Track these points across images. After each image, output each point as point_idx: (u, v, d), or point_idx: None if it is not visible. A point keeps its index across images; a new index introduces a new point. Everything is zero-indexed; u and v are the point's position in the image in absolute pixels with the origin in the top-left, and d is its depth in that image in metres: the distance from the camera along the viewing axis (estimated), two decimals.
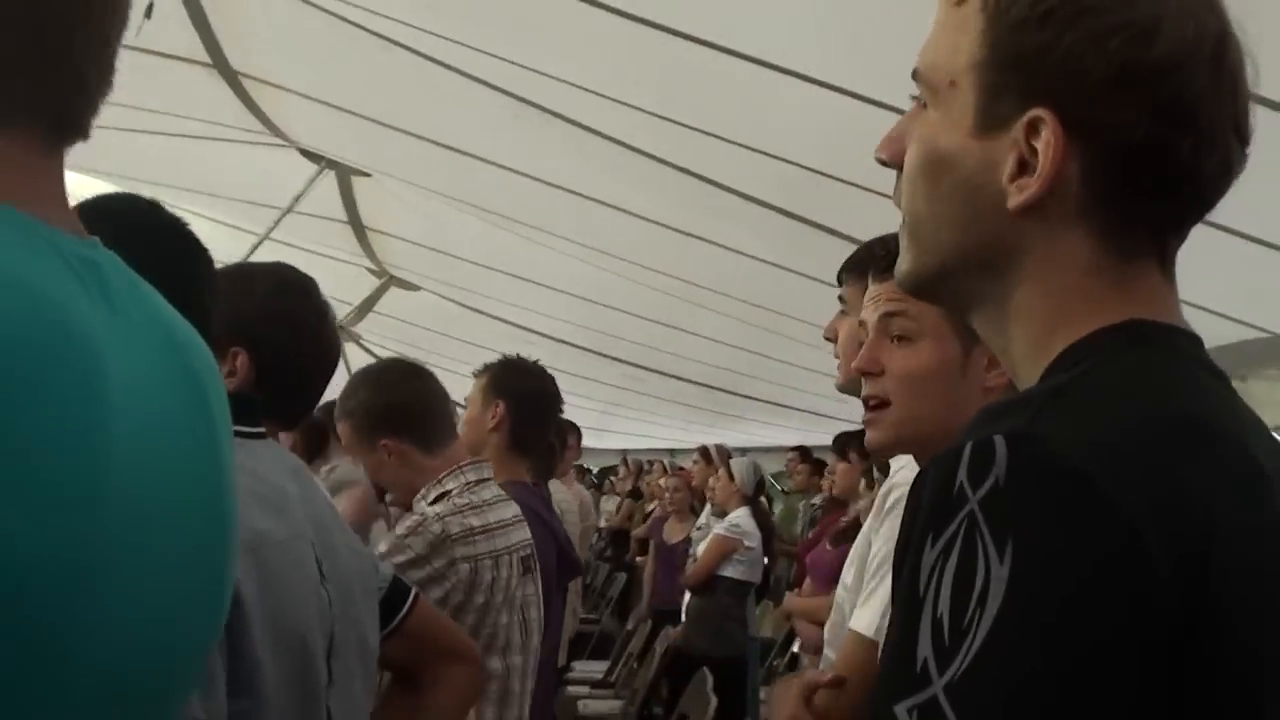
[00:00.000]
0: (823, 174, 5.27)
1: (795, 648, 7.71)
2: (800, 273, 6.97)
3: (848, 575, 2.27)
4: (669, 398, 12.73)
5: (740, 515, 6.56)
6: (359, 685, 1.81)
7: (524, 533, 2.95)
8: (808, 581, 5.60)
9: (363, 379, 3.06)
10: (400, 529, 2.81)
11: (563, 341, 10.48)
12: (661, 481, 9.71)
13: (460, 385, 14.73)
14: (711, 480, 7.16)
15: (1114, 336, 0.92)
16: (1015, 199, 0.93)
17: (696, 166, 5.68)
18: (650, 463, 13.91)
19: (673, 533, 7.95)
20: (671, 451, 18.50)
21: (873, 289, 1.81)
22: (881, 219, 4.70)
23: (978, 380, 1.74)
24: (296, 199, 7.15)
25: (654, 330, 9.49)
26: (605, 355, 10.69)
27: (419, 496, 2.95)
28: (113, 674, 0.88)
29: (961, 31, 0.95)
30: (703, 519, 7.47)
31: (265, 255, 7.84)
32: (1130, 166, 0.91)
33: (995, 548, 0.76)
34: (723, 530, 6.50)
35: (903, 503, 2.00)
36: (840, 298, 2.28)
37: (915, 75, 0.99)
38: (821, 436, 14.19)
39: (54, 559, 0.82)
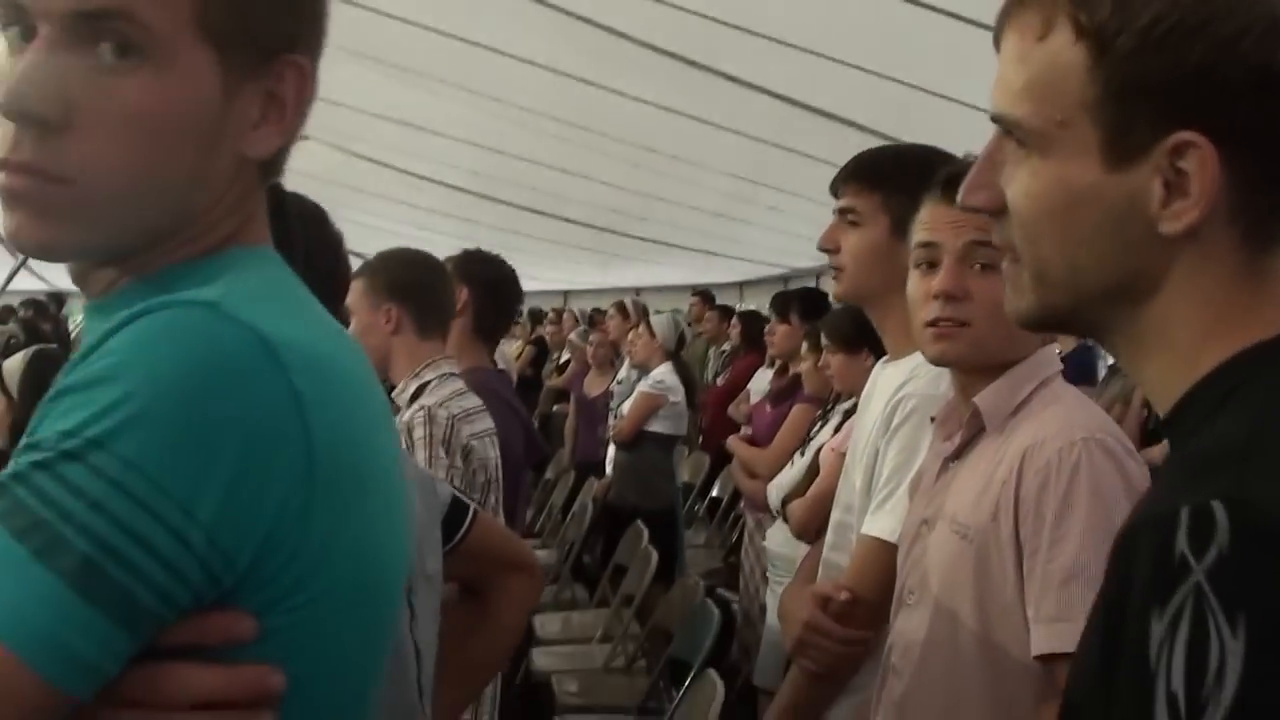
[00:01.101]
0: (714, 19, 5.47)
1: (714, 491, 8.04)
2: (686, 114, 7.19)
3: (854, 477, 2.31)
4: (560, 240, 12.92)
5: (664, 371, 6.70)
6: (431, 613, 1.85)
7: (489, 420, 3.06)
8: (746, 432, 5.77)
9: (396, 252, 3.12)
10: (418, 432, 2.87)
11: (451, 186, 10.62)
12: (572, 336, 9.77)
13: (351, 232, 14.66)
14: (631, 335, 7.22)
15: (1271, 355, 0.90)
16: (1173, 225, 0.90)
17: (588, 12, 5.83)
18: (547, 310, 14.02)
19: (593, 386, 8.05)
20: (565, 293, 18.71)
21: (948, 213, 1.82)
22: (775, 62, 4.91)
23: None
24: None
25: (544, 174, 9.67)
26: (495, 199, 10.84)
27: (398, 389, 3.03)
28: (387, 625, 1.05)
29: (1056, 69, 0.93)
30: (622, 373, 7.59)
31: None
32: (1273, 164, 0.90)
33: (1227, 621, 0.74)
34: (647, 387, 6.61)
35: (918, 414, 2.13)
36: (846, 209, 2.27)
37: (1000, 120, 0.97)
38: (710, 275, 14.58)
39: (396, 558, 1.03)
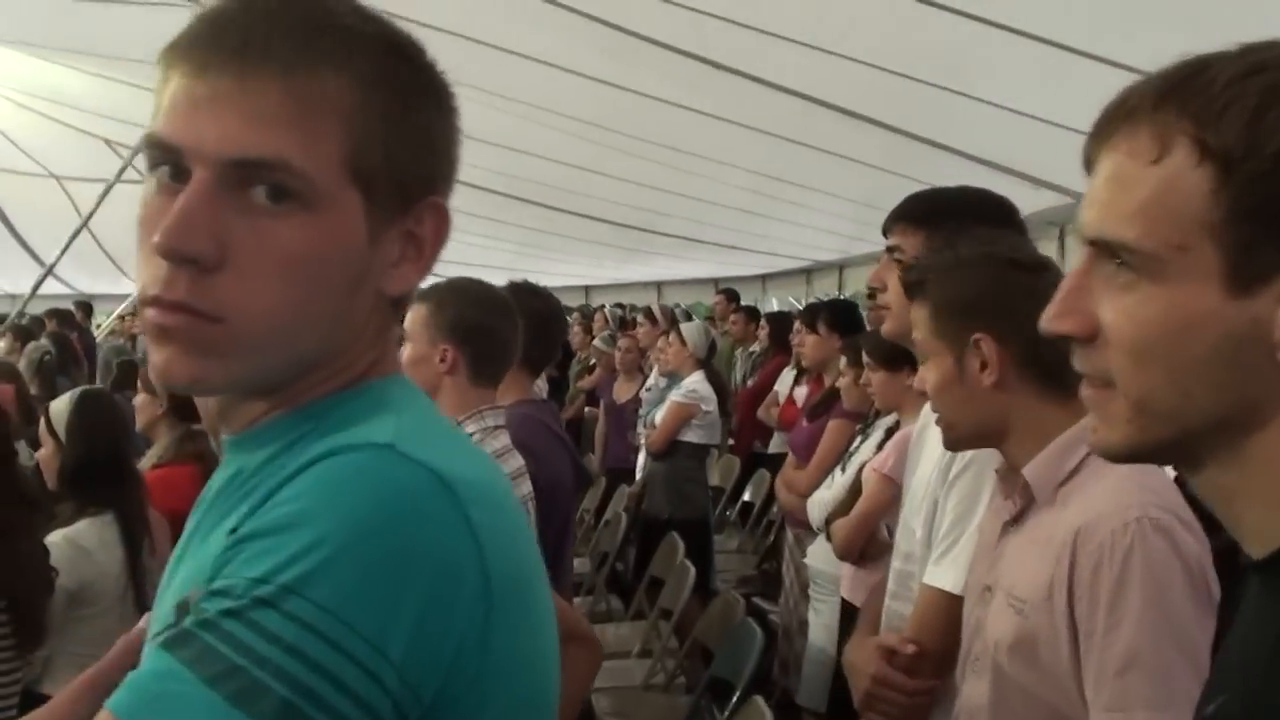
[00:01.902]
0: (733, 21, 5.43)
1: (746, 496, 7.98)
2: (707, 113, 7.15)
3: (914, 525, 2.32)
4: (582, 237, 12.89)
5: (696, 380, 6.63)
6: None
7: (518, 459, 2.95)
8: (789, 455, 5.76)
9: (467, 286, 2.93)
10: None
11: (475, 186, 10.58)
12: (597, 341, 9.71)
13: None
14: (661, 343, 7.16)
15: None
16: None
17: (606, 14, 5.79)
18: (572, 309, 14.00)
19: (622, 392, 8.02)
20: (586, 289, 18.70)
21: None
22: (794, 62, 4.86)
23: None
24: None
25: (566, 173, 9.64)
26: (518, 198, 10.81)
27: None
28: None
29: (1176, 192, 0.88)
30: (650, 379, 7.57)
31: None
32: None
33: None
34: (680, 397, 6.54)
35: (976, 464, 2.15)
36: (893, 247, 2.29)
37: (1103, 243, 0.93)
38: (733, 269, 14.53)
39: (555, 665, 1.05)
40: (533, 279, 3.68)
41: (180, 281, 0.93)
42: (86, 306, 13.09)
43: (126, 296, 13.91)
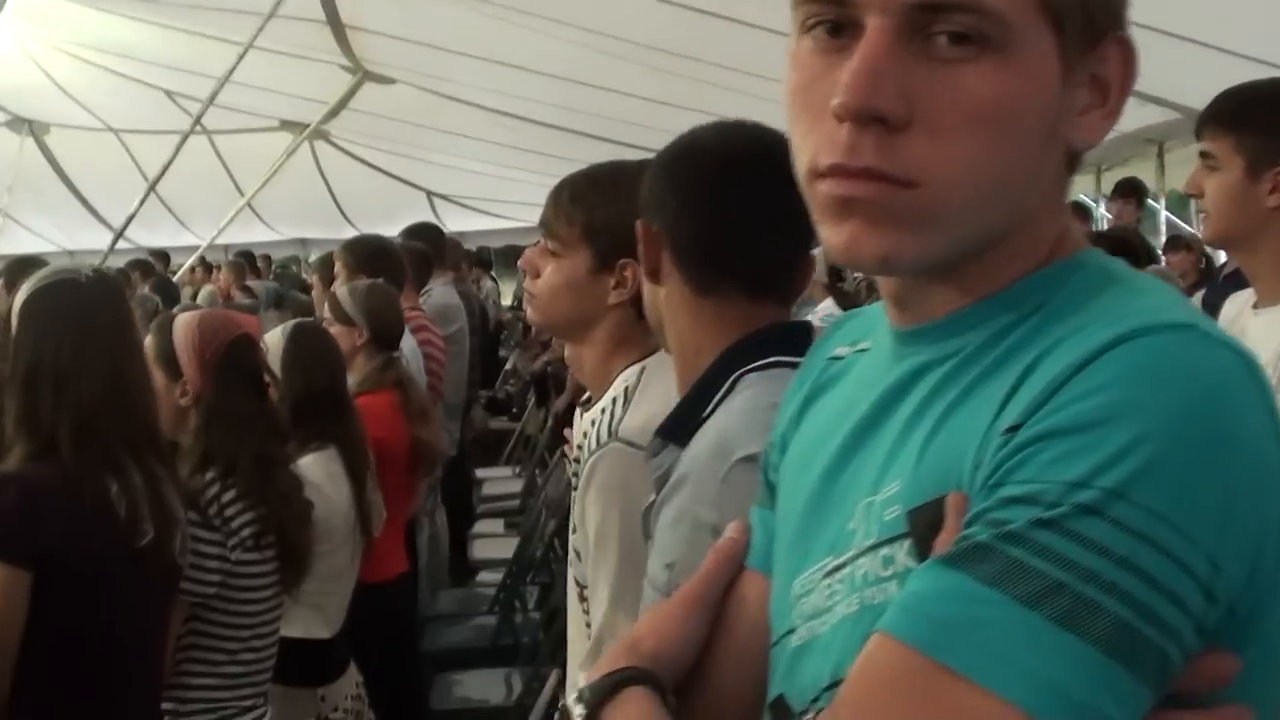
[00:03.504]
0: None
1: None
2: (779, 31, 6.89)
3: None
4: None
5: (829, 305, 6.53)
6: None
7: None
8: None
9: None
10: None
11: (545, 124, 10.39)
12: None
13: (438, 175, 14.56)
14: None
15: None
16: None
17: None
18: None
19: None
20: None
21: None
22: None
23: None
24: (277, 3, 6.95)
25: (640, 107, 9.41)
26: (590, 135, 10.60)
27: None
28: None
29: None
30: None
31: (247, 62, 7.71)
32: None
33: None
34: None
35: None
36: (1205, 153, 2.23)
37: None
38: None
39: None
40: None
41: (865, 144, 0.84)
42: (164, 256, 13.00)
43: (188, 249, 13.83)
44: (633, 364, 2.00)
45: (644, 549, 1.66)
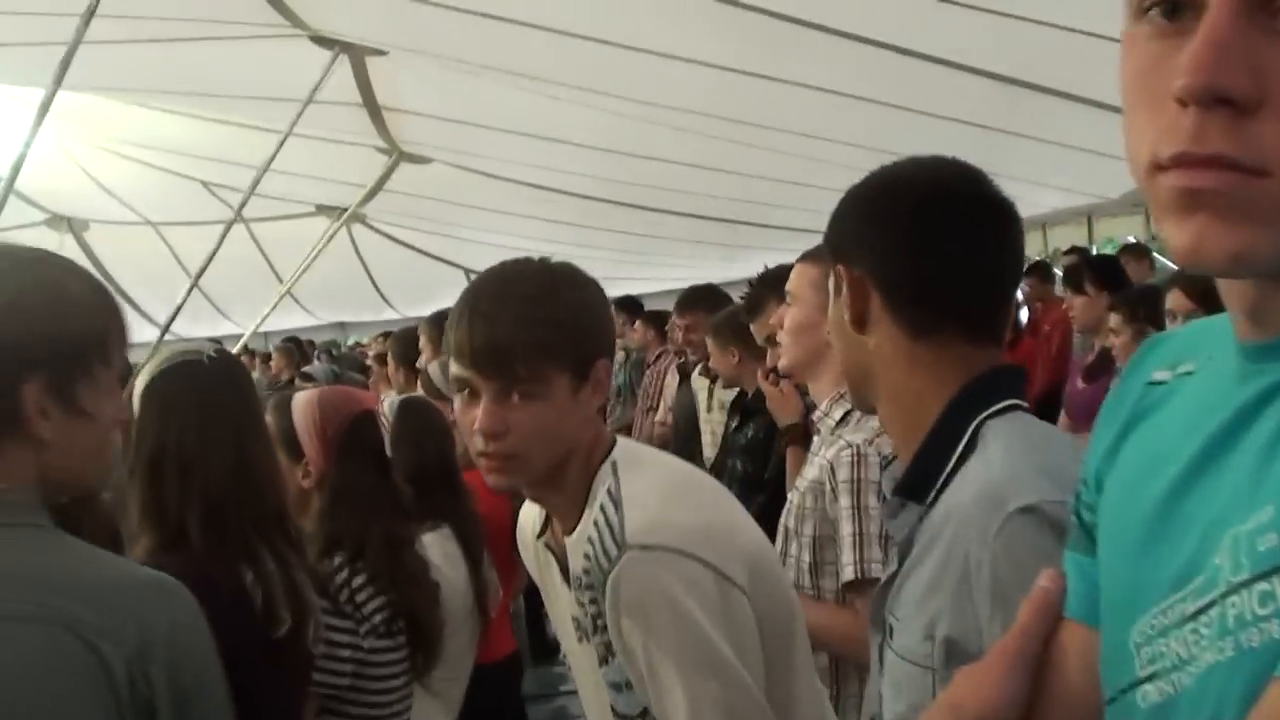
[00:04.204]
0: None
1: None
2: (822, 88, 6.86)
3: None
4: (689, 238, 12.65)
5: None
6: None
7: None
8: (1063, 417, 5.61)
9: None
10: (842, 474, 2.52)
11: (580, 195, 10.37)
12: None
13: (479, 253, 14.49)
14: None
15: None
16: None
17: None
18: None
19: None
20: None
21: None
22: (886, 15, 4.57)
23: None
24: (315, 89, 6.98)
25: (676, 172, 9.38)
26: (626, 204, 10.58)
27: (820, 412, 2.70)
28: None
29: None
30: None
31: (283, 149, 7.73)
32: None
33: None
34: None
35: None
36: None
37: None
38: None
39: None
40: (632, 286, 3.47)
41: (1212, 130, 0.76)
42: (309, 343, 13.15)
43: (230, 338, 13.86)
44: (596, 464, 1.84)
45: (704, 642, 1.63)
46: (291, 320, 15.98)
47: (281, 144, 7.45)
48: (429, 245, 14.08)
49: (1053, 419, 6.41)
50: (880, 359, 1.52)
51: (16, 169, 5.81)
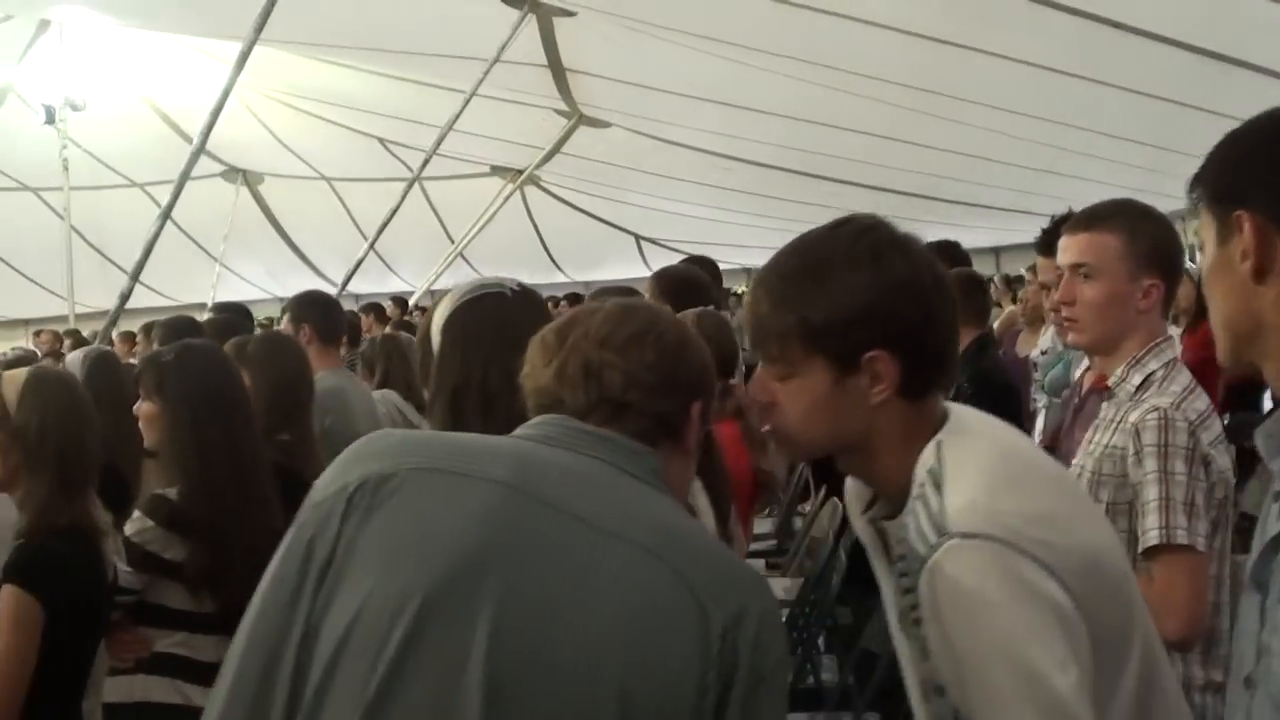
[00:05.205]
0: None
1: None
2: (1025, 61, 6.55)
3: None
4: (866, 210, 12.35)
5: (1049, 339, 6.04)
6: None
7: (1219, 424, 2.57)
8: None
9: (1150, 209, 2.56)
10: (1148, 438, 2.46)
11: (760, 164, 10.15)
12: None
13: (647, 219, 14.49)
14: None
15: None
16: None
17: None
18: None
19: (1025, 344, 7.34)
20: None
21: None
22: None
23: None
24: (502, 48, 6.88)
25: (865, 142, 9.11)
26: (807, 174, 10.32)
27: (1116, 377, 2.51)
28: None
29: None
30: (1045, 340, 6.91)
31: (468, 108, 7.67)
32: None
33: None
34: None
35: None
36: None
37: None
38: (1015, 235, 13.78)
39: None
40: None
41: None
42: (402, 302, 13.13)
43: (394, 294, 13.96)
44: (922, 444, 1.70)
45: (1042, 636, 1.51)
46: (459, 279, 16.04)
47: (466, 102, 7.38)
48: (601, 210, 13.97)
49: None
50: None
51: (213, 119, 5.79)
